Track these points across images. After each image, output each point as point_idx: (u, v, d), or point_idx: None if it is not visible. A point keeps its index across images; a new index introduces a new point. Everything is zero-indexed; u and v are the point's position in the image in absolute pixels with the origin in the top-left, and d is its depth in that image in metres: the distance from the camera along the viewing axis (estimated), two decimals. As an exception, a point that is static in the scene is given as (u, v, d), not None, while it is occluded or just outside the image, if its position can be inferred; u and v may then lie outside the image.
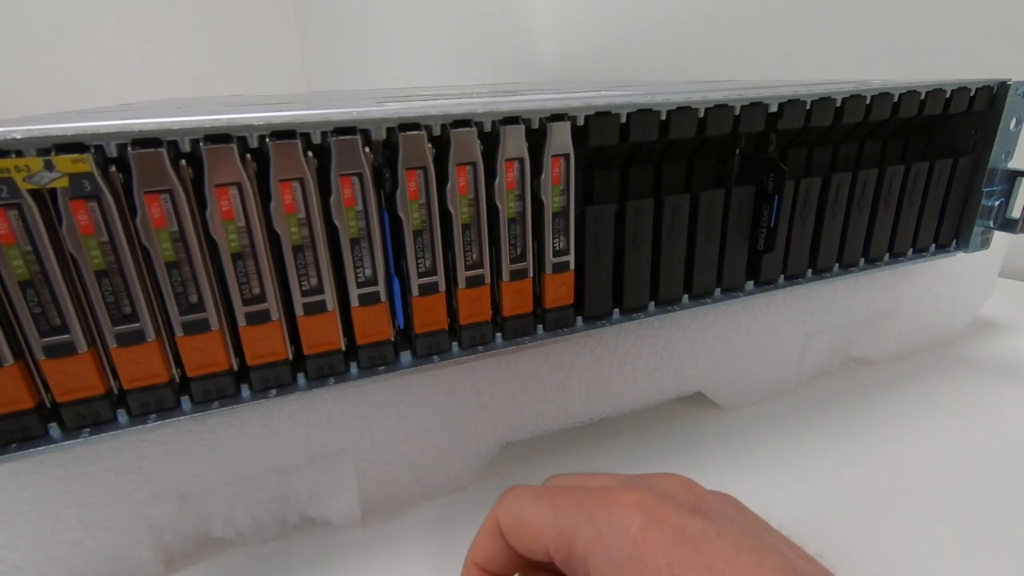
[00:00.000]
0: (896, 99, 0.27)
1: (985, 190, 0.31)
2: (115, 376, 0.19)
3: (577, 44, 0.77)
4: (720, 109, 0.24)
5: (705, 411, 0.33)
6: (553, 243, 0.23)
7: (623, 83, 0.46)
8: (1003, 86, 0.29)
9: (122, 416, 0.19)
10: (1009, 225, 0.31)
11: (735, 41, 0.62)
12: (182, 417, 0.20)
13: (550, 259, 0.23)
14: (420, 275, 0.21)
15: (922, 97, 0.28)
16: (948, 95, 0.28)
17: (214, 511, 0.24)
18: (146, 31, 1.21)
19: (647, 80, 0.55)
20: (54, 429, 0.18)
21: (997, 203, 0.31)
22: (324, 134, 0.19)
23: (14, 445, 0.18)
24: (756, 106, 0.24)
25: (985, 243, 0.32)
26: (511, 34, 0.85)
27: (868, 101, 0.26)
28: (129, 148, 0.17)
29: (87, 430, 0.19)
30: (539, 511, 0.17)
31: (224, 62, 1.30)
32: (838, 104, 0.26)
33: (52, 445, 0.18)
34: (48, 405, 0.18)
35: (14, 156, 0.16)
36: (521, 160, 0.21)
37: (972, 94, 0.29)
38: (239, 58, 1.33)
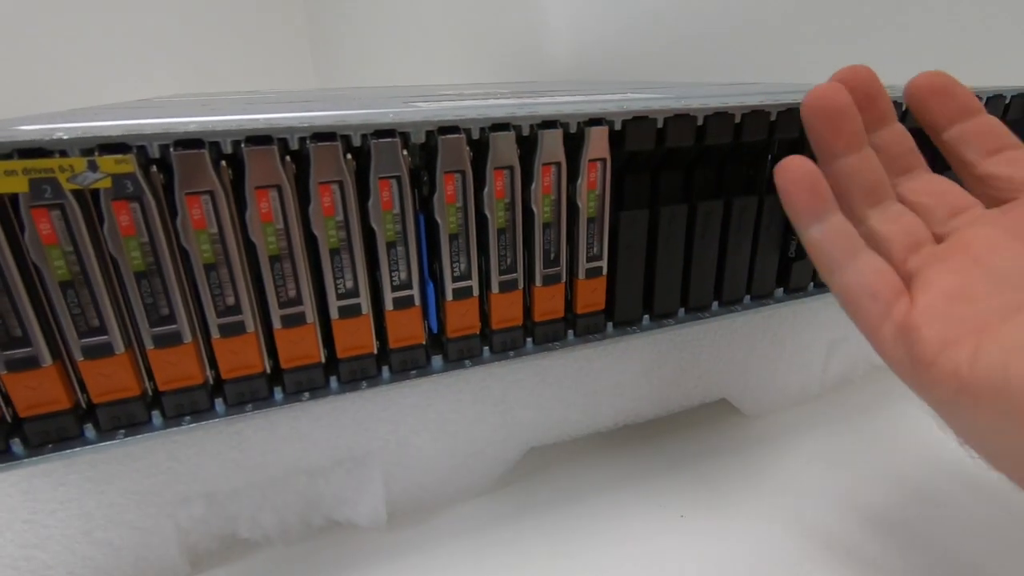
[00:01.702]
0: (931, 106, 0.27)
1: (1017, 199, 0.30)
2: (151, 378, 0.19)
3: (591, 42, 0.77)
4: (756, 115, 0.23)
5: (729, 418, 0.33)
6: (587, 248, 0.23)
7: (646, 84, 0.46)
8: (1038, 94, 0.29)
9: (157, 418, 0.19)
10: (1040, 235, 0.31)
11: (750, 42, 0.61)
12: (216, 419, 0.19)
13: (583, 264, 0.23)
14: (454, 279, 0.21)
15: (957, 104, 0.27)
16: (984, 102, 0.28)
17: (241, 512, 0.24)
18: (154, 24, 1.21)
19: (670, 81, 0.54)
20: (89, 430, 0.18)
21: (1028, 212, 0.31)
22: (364, 136, 0.18)
23: (50, 446, 0.18)
24: (792, 112, 0.24)
25: (1015, 252, 0.32)
26: (523, 31, 0.84)
27: (903, 108, 0.26)
28: (172, 149, 0.16)
29: (122, 431, 0.19)
30: None
31: (233, 55, 1.30)
32: (873, 111, 0.26)
33: (88, 446, 0.18)
34: (84, 406, 0.18)
35: (58, 156, 0.16)
36: (558, 164, 0.21)
37: (1007, 101, 0.28)
38: (249, 52, 1.32)
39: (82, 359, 0.17)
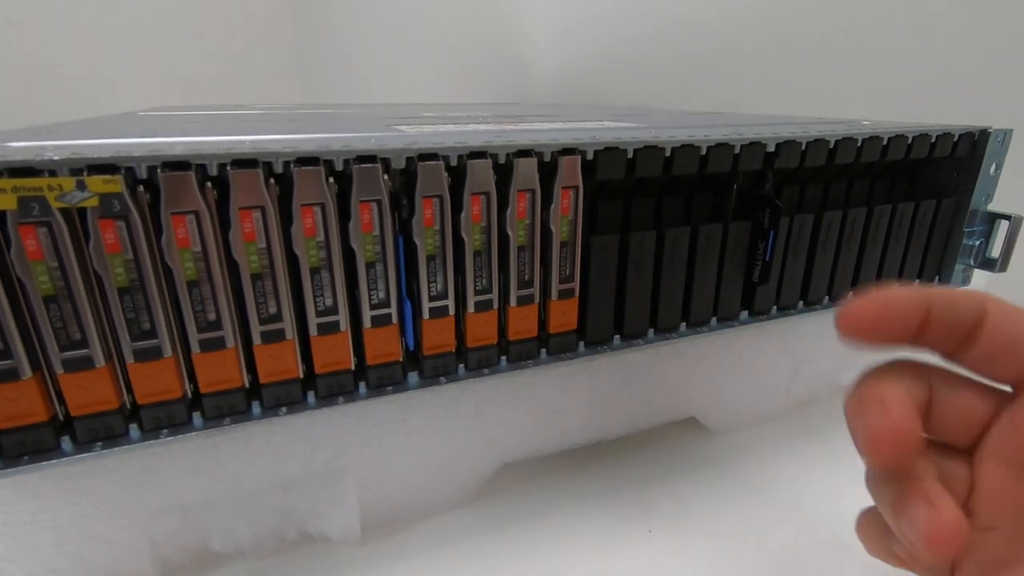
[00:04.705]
0: (885, 142, 0.29)
1: (966, 230, 0.32)
2: (129, 391, 0.19)
3: (576, 66, 0.79)
4: (721, 148, 0.25)
5: (696, 435, 0.34)
6: (560, 271, 0.24)
7: (623, 110, 0.47)
8: (984, 133, 0.31)
9: (134, 431, 0.19)
10: (988, 264, 0.33)
11: (725, 72, 0.64)
12: (193, 433, 0.20)
13: (556, 286, 0.24)
14: (431, 298, 0.22)
15: (909, 141, 0.29)
16: (933, 140, 0.30)
17: (215, 525, 0.24)
18: (140, 35, 1.21)
19: (643, 106, 0.56)
20: (66, 442, 0.19)
21: (977, 243, 0.33)
22: (346, 161, 0.19)
23: (26, 457, 0.18)
24: (755, 145, 0.25)
25: (966, 280, 0.34)
26: (511, 53, 0.86)
27: (859, 144, 0.28)
28: (159, 170, 0.17)
29: (99, 444, 0.19)
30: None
31: (219, 67, 1.31)
32: (831, 145, 0.27)
33: (64, 458, 0.18)
34: (62, 418, 0.19)
35: (47, 175, 0.16)
36: (532, 191, 0.22)
37: (956, 139, 0.30)
38: (235, 64, 1.33)
39: (62, 372, 0.18)
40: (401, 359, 0.22)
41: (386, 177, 0.20)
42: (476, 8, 0.89)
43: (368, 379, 0.22)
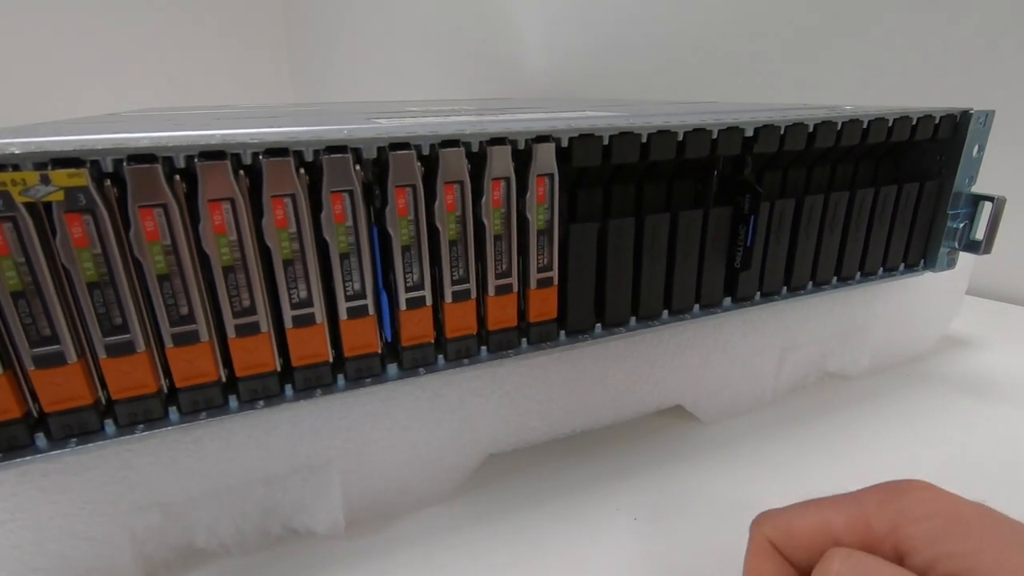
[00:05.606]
0: (865, 125, 0.28)
1: (950, 213, 0.32)
2: (103, 386, 0.19)
3: (567, 62, 0.79)
4: (698, 133, 0.25)
5: (684, 424, 0.34)
6: (537, 259, 0.23)
7: (609, 102, 0.47)
8: (965, 115, 0.31)
9: (109, 426, 0.19)
10: (973, 246, 0.33)
11: (716, 62, 0.64)
12: (169, 427, 0.20)
13: (534, 275, 0.24)
14: (408, 289, 0.22)
15: (890, 124, 0.29)
16: (914, 122, 0.30)
17: (198, 522, 0.24)
18: (131, 37, 1.21)
19: (632, 99, 0.56)
20: (40, 439, 0.19)
21: (961, 225, 0.32)
22: (316, 152, 0.19)
23: (0, 455, 0.18)
24: (732, 130, 0.25)
25: (951, 263, 0.34)
26: (502, 50, 0.86)
27: (839, 127, 0.28)
28: (125, 163, 0.17)
29: (74, 440, 0.19)
30: (811, 512, 0.17)
31: (211, 69, 1.30)
32: (810, 129, 0.27)
33: (38, 455, 0.18)
34: (35, 415, 0.19)
35: (11, 170, 0.16)
36: (507, 179, 0.22)
37: (937, 122, 0.30)
38: (226, 66, 1.33)
39: (33, 368, 0.18)
40: (380, 351, 0.22)
41: (358, 167, 0.20)
42: (470, 8, 0.89)
43: (346, 371, 0.22)
